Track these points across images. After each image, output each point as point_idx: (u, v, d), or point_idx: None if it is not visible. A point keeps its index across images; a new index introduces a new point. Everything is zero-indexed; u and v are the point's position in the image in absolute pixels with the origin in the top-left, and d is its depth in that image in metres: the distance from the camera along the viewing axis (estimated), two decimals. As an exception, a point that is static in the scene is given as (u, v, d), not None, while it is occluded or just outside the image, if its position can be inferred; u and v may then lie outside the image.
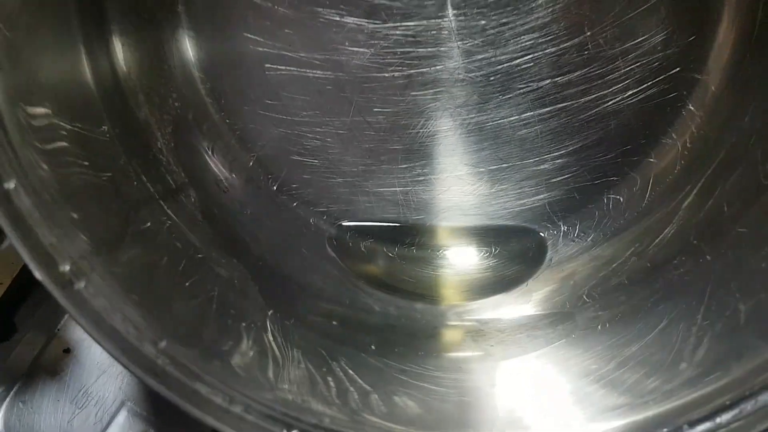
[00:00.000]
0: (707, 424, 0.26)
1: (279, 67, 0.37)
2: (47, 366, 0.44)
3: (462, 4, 0.35)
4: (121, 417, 0.43)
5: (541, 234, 0.40)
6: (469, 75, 0.37)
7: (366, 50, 0.36)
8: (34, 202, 0.25)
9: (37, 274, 0.25)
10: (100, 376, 0.44)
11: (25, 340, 0.44)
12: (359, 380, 0.30)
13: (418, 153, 0.38)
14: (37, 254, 0.25)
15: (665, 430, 0.27)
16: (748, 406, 0.26)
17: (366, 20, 0.35)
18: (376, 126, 0.38)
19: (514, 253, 0.40)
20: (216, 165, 0.38)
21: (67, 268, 0.25)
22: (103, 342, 0.25)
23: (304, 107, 0.38)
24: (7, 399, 0.44)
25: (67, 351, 0.45)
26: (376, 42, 0.36)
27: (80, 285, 0.25)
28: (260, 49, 0.37)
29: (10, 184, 0.25)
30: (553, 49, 0.36)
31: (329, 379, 0.29)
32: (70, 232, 0.26)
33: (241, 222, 0.37)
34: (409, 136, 0.38)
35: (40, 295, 0.45)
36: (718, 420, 0.26)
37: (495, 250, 0.40)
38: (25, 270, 0.45)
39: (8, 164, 0.25)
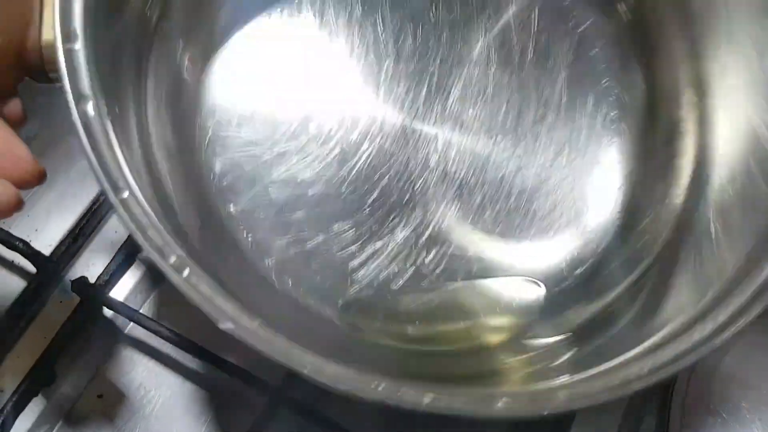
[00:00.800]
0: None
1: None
2: (84, 409, 0.51)
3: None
4: (148, 453, 0.50)
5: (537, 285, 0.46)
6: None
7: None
8: (142, 211, 0.32)
9: (158, 263, 0.31)
10: (130, 419, 0.51)
11: (65, 386, 0.51)
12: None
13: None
14: (154, 248, 0.32)
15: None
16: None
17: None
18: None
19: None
20: None
21: (173, 260, 0.32)
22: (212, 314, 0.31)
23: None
24: (49, 438, 0.50)
25: (101, 396, 0.51)
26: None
27: (185, 273, 0.32)
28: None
29: (124, 194, 0.32)
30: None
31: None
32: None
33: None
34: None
35: (77, 348, 0.52)
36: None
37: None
38: (65, 325, 0.51)
39: (122, 179, 0.33)
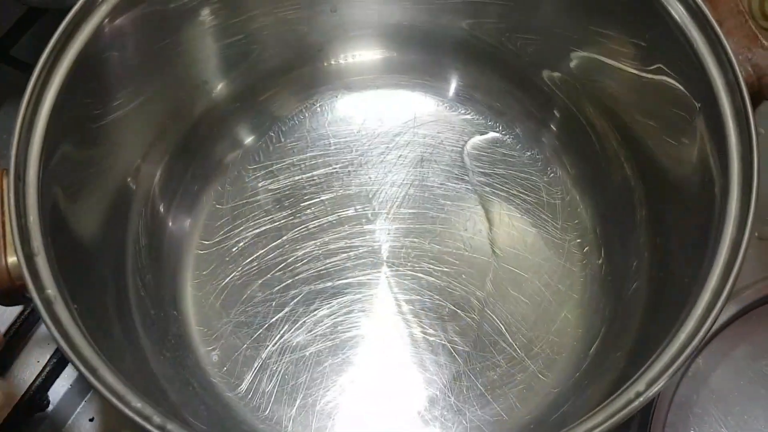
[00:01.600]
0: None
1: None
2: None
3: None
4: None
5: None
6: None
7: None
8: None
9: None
10: (117, 441, 0.51)
11: (57, 410, 0.52)
12: None
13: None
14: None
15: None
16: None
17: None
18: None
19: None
20: None
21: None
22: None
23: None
24: (41, 461, 0.51)
25: (92, 420, 0.52)
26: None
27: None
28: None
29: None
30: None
31: None
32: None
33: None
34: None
35: (69, 375, 0.53)
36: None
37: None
38: (57, 352, 0.52)
39: None
